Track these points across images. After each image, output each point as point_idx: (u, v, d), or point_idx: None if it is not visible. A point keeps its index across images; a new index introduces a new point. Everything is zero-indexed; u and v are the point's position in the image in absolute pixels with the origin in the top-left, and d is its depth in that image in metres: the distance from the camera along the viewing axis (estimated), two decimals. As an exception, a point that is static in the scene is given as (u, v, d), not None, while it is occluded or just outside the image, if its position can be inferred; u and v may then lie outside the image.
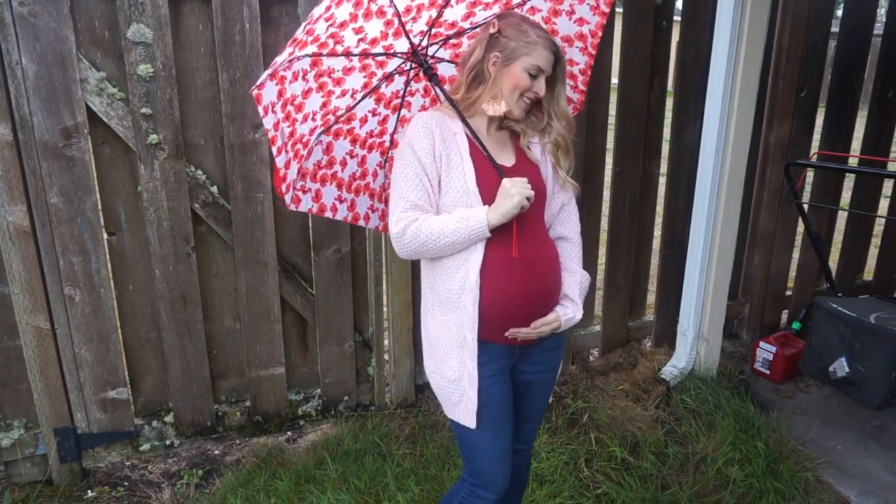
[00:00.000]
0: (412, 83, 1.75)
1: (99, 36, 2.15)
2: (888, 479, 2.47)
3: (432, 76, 1.62)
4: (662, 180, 3.17)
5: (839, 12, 3.49)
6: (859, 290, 3.81)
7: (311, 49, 1.50)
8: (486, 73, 1.54)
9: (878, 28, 3.83)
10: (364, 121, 1.73)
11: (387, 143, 1.80)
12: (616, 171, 3.01)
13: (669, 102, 2.95)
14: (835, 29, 3.37)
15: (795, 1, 3.02)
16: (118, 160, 2.28)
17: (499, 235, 1.49)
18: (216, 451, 2.64)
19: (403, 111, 1.78)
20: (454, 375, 1.55)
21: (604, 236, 3.10)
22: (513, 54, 1.51)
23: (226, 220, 2.42)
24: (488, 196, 1.50)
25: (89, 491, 2.40)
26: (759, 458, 2.45)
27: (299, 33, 1.47)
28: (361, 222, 1.88)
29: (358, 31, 1.53)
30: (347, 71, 1.62)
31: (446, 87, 1.69)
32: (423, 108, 1.80)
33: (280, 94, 1.54)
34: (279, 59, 1.47)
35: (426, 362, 1.65)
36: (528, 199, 1.44)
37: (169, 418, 2.55)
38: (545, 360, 1.67)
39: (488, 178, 1.52)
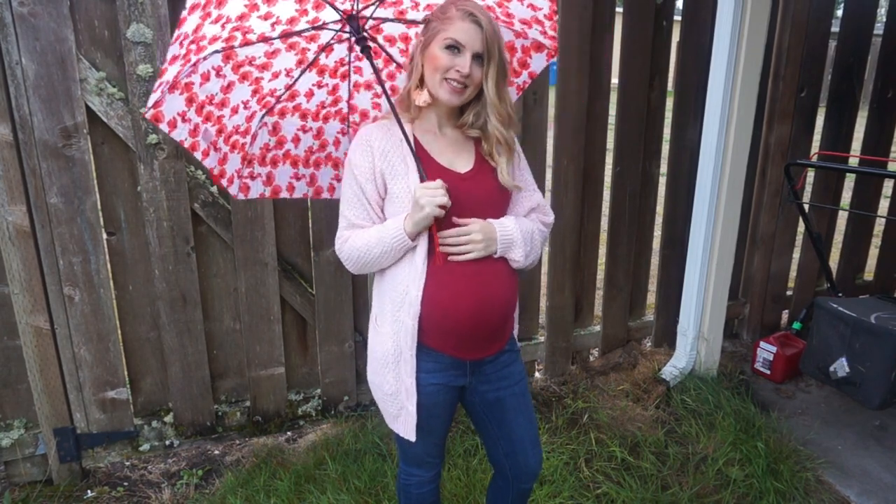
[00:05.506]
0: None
1: (99, 36, 2.15)
2: (888, 479, 2.46)
3: (364, 48, 1.52)
4: (662, 180, 3.17)
5: (839, 13, 3.49)
6: (859, 290, 3.80)
7: (218, 46, 1.46)
8: (416, 61, 1.46)
9: (879, 28, 3.83)
10: (310, 94, 1.71)
11: (345, 110, 1.77)
12: (616, 171, 3.01)
13: (669, 102, 2.95)
14: (835, 29, 3.37)
15: (795, 1, 3.02)
16: (118, 160, 2.28)
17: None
18: (216, 451, 2.64)
19: (355, 77, 1.74)
20: (391, 389, 1.53)
21: (604, 236, 3.10)
22: (432, 33, 1.42)
23: (226, 220, 2.42)
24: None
25: (89, 491, 2.40)
26: (760, 459, 2.45)
27: (176, 48, 1.40)
28: (325, 194, 1.87)
29: (266, 16, 1.46)
30: (271, 55, 1.58)
31: (398, 82, 1.62)
32: (379, 71, 1.69)
33: (190, 100, 1.53)
34: (168, 75, 1.43)
35: (368, 372, 1.61)
36: (441, 206, 1.37)
37: (169, 418, 2.55)
38: (504, 376, 1.60)
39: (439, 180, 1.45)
